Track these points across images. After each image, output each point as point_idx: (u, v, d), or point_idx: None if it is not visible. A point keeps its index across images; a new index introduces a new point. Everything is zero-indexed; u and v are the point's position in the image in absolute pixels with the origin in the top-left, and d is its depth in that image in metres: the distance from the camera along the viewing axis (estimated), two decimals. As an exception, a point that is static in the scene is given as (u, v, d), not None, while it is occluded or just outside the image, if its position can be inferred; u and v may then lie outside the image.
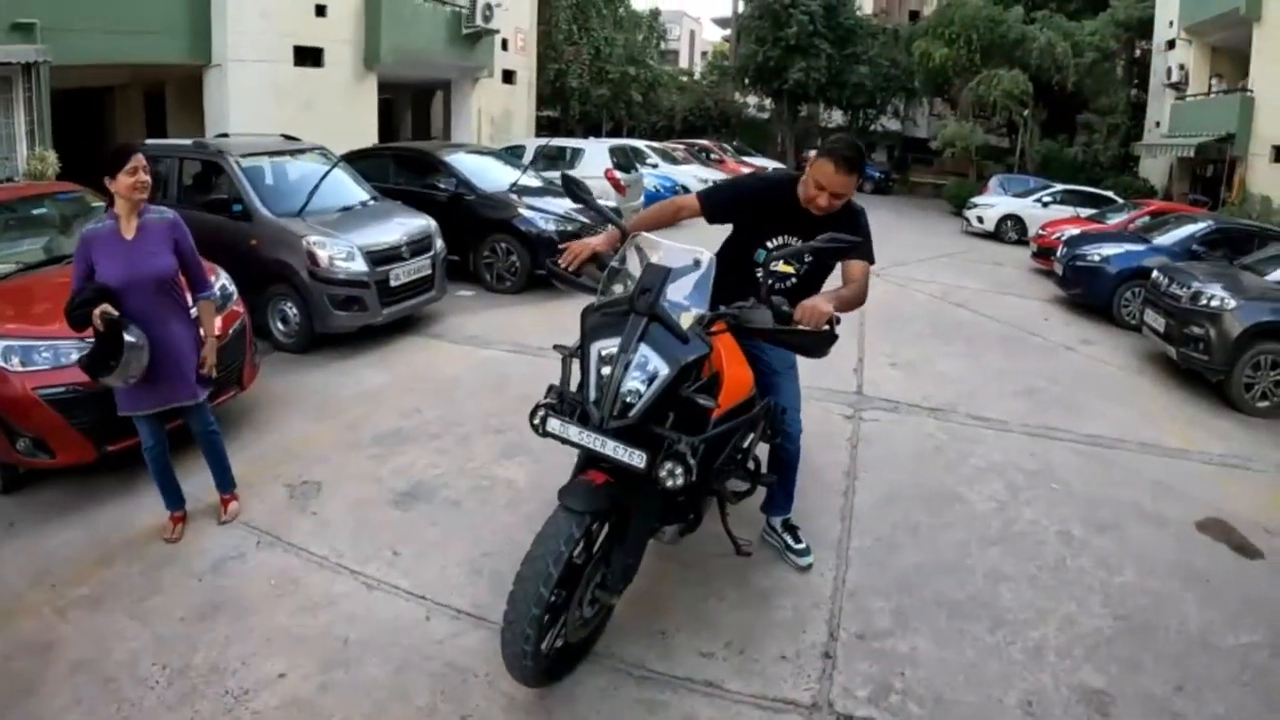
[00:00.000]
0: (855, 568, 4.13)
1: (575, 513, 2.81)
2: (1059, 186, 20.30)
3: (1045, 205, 19.12)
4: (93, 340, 3.60)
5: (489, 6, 18.51)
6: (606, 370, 2.89)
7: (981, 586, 4.05)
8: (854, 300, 3.53)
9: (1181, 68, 24.13)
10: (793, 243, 3.57)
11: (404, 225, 7.90)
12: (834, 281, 3.68)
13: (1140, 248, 11.28)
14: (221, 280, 5.40)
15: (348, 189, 8.42)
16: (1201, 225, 11.58)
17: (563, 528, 2.78)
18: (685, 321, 2.99)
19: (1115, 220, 15.07)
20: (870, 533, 4.50)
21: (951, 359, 8.10)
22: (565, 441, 2.91)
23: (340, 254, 7.05)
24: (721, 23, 50.93)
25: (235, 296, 5.55)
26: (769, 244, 3.66)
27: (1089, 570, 4.30)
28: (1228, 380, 7.65)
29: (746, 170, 24.80)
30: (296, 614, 3.55)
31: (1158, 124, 25.55)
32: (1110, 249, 11.42)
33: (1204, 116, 21.66)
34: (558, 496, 2.90)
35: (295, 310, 7.15)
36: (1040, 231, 15.29)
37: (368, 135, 15.76)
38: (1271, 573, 4.55)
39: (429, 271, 7.83)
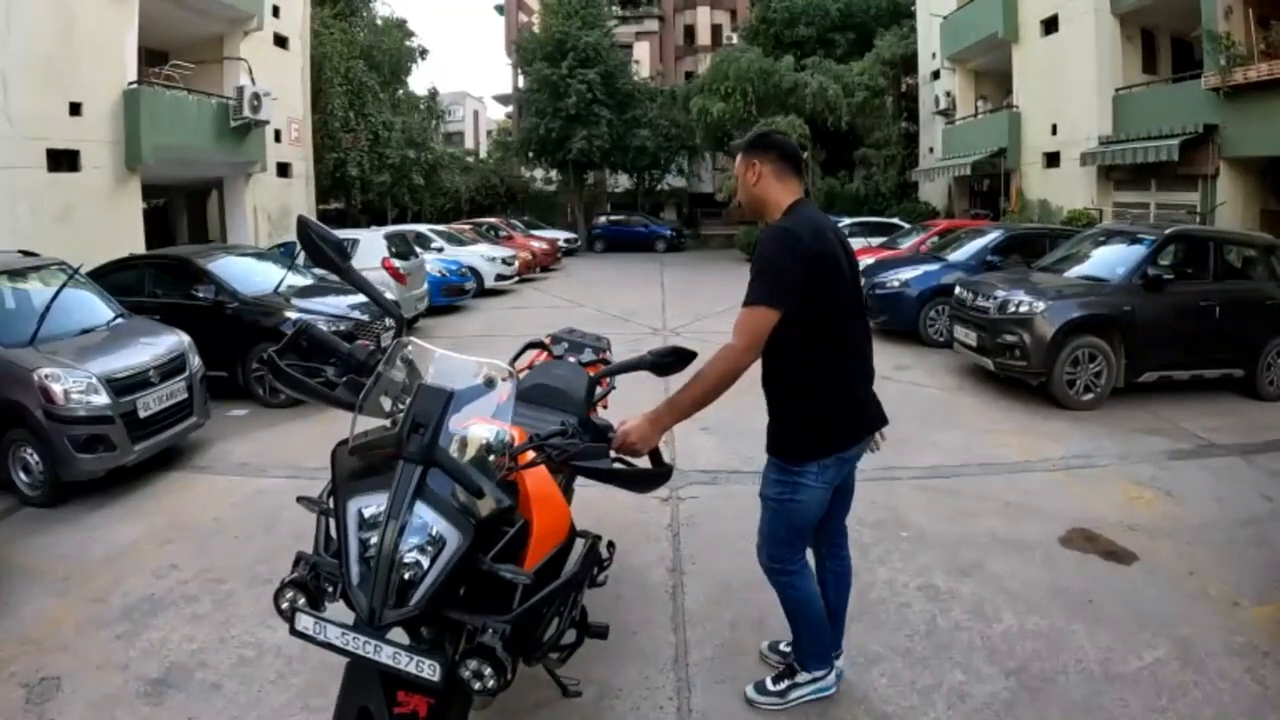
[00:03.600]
0: (700, 690, 3.53)
1: None
2: (847, 220, 20.99)
3: (836, 239, 19.69)
4: None
5: (257, 96, 17.44)
6: (372, 539, 2.13)
7: (851, 676, 3.55)
8: (707, 387, 2.70)
9: (948, 94, 26.28)
10: None
11: (152, 345, 6.90)
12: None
13: (936, 267, 11.70)
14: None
15: (90, 308, 7.34)
16: (992, 235, 12.19)
17: None
18: (474, 448, 2.25)
19: (907, 244, 15.82)
20: (710, 639, 3.92)
21: (762, 412, 7.68)
22: (326, 647, 2.15)
23: (78, 387, 5.97)
24: (503, 99, 51.11)
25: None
26: None
27: (965, 625, 3.98)
28: (1049, 381, 7.91)
29: (537, 244, 24.70)
30: None
31: (931, 149, 27.60)
32: (908, 273, 11.79)
33: (975, 136, 23.66)
34: None
35: (37, 457, 6.02)
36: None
37: (133, 243, 14.20)
38: (1149, 574, 4.49)
39: (185, 395, 6.86)
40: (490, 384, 2.41)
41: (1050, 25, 20.38)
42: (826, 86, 26.97)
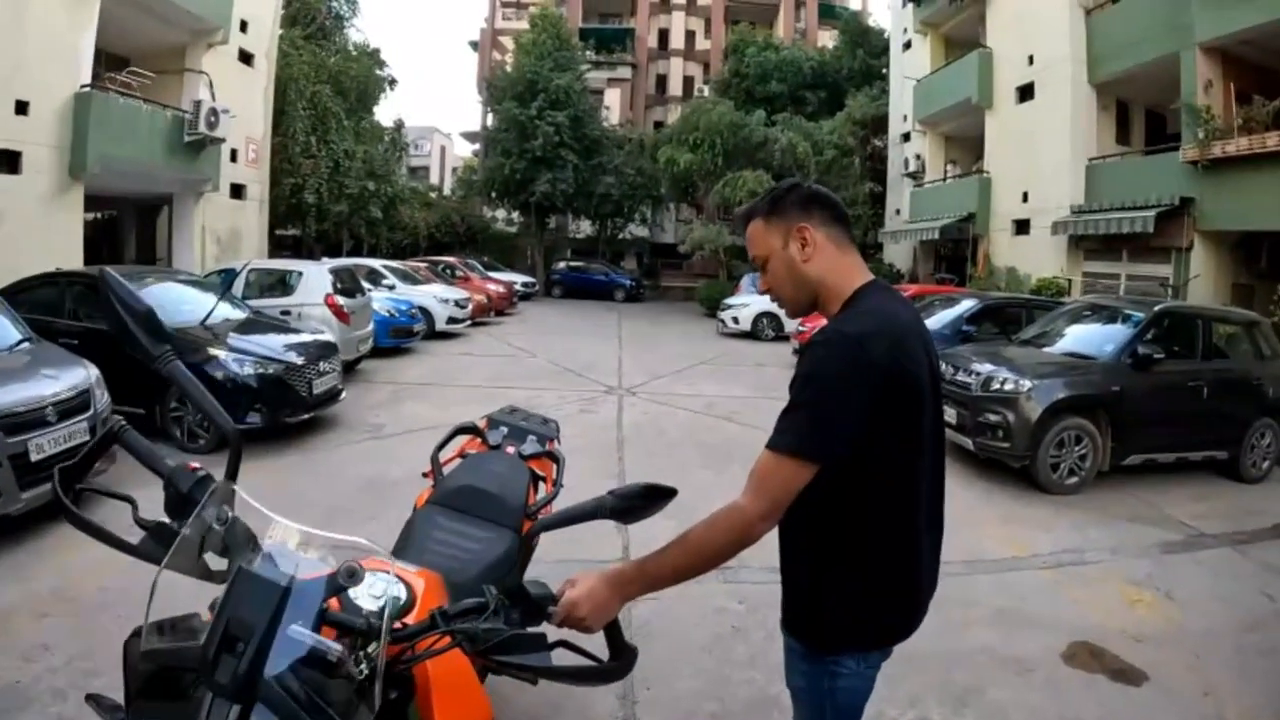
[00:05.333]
0: None
1: None
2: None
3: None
4: None
5: (214, 112, 16.74)
6: None
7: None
8: (698, 558, 1.84)
9: (918, 157, 26.42)
10: None
11: (53, 378, 6.11)
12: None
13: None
14: None
15: None
16: (967, 304, 11.84)
17: None
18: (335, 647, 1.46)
19: None
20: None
21: (726, 490, 7.06)
22: None
23: (-44, 423, 5.29)
24: (471, 137, 50.81)
25: None
26: None
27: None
28: (1032, 464, 7.47)
29: (493, 286, 24.08)
30: None
31: (898, 211, 27.76)
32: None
33: (944, 200, 23.74)
34: None
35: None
36: (800, 327, 15.20)
37: (70, 257, 13.45)
38: (1164, 696, 4.03)
39: (86, 437, 6.02)
40: (352, 578, 1.49)
41: (1025, 93, 20.52)
42: (796, 143, 27.04)
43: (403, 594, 1.72)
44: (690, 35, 47.63)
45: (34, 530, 5.73)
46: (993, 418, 7.62)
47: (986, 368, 8.04)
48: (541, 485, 3.42)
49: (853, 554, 1.97)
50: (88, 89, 14.27)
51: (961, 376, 8.15)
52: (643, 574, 1.85)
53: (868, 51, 34.68)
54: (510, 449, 3.47)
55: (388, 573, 1.74)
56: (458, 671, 1.76)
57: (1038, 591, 5.30)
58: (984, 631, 4.68)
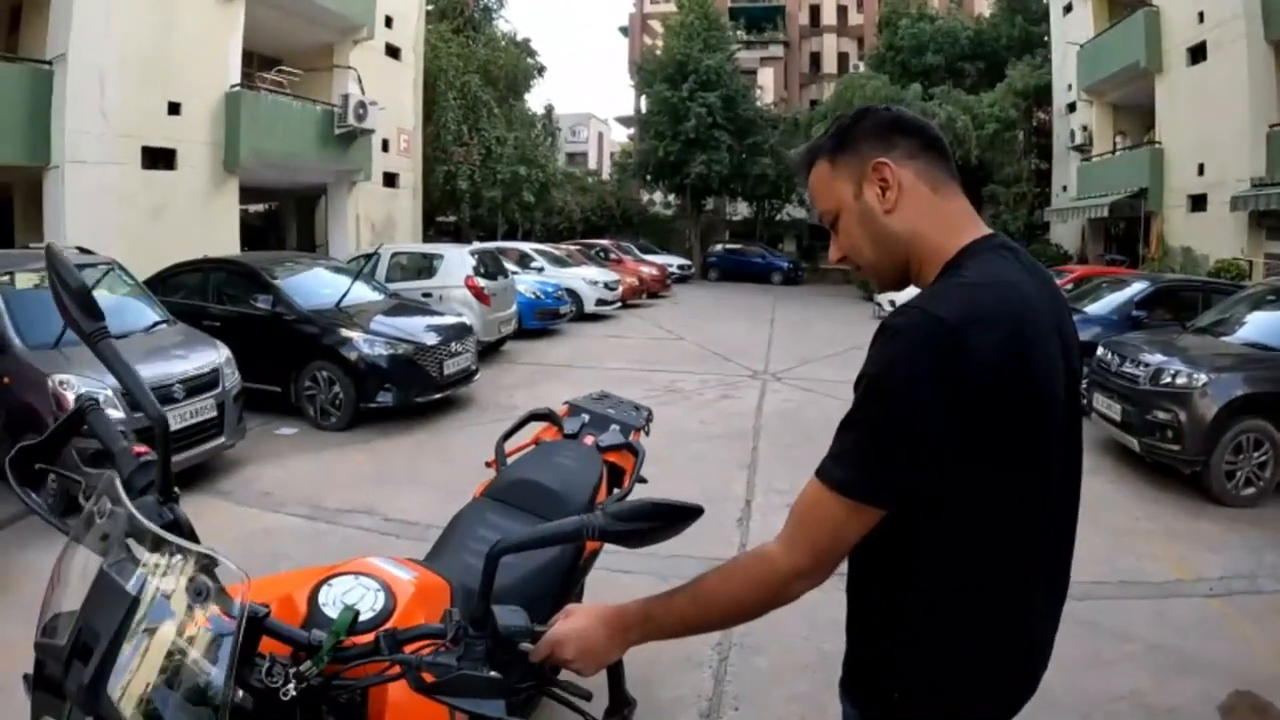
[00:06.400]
0: None
1: None
2: (975, 264, 19.64)
3: (961, 282, 18.49)
4: None
5: (362, 105, 17.28)
6: None
7: None
8: (715, 614, 1.39)
9: (1085, 129, 24.73)
10: None
11: (184, 358, 6.39)
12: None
13: (1074, 319, 10.34)
14: None
15: (132, 311, 6.95)
16: (1137, 287, 10.61)
17: None
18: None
19: None
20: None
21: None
22: None
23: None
24: (625, 122, 51.01)
25: None
26: None
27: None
28: (1205, 470, 6.48)
29: (646, 269, 23.94)
30: None
31: (1064, 188, 26.01)
32: (1042, 326, 10.44)
33: (1113, 175, 21.97)
34: None
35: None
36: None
37: (228, 244, 14.17)
38: None
39: (214, 414, 6.26)
40: (200, 596, 1.17)
41: (1197, 54, 18.70)
42: (955, 117, 25.72)
43: (378, 602, 1.47)
44: (842, 10, 46.25)
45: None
46: (1162, 415, 6.66)
47: (1157, 358, 7.06)
48: (622, 481, 3.03)
49: (933, 617, 1.38)
50: (237, 88, 14.95)
51: (1129, 368, 7.23)
52: (647, 619, 1.39)
53: (1027, 18, 32.66)
54: (589, 439, 3.10)
55: (360, 574, 1.48)
56: (424, 707, 1.37)
57: (1200, 624, 4.51)
58: (1134, 672, 3.97)
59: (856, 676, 1.53)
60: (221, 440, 6.41)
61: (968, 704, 1.42)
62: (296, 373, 8.19)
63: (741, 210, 39.80)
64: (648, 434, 3.39)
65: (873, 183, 1.43)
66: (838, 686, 1.56)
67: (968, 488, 1.28)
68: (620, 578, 3.81)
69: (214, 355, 6.64)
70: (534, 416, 3.32)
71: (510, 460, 2.99)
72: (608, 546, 1.69)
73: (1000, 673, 1.44)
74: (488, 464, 3.04)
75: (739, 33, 40.19)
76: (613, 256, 24.72)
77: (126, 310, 6.92)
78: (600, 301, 18.50)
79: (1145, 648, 4.19)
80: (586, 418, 3.25)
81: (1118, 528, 5.90)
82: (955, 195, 1.49)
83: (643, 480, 2.98)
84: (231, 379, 6.63)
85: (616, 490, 2.91)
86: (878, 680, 1.47)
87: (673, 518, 1.36)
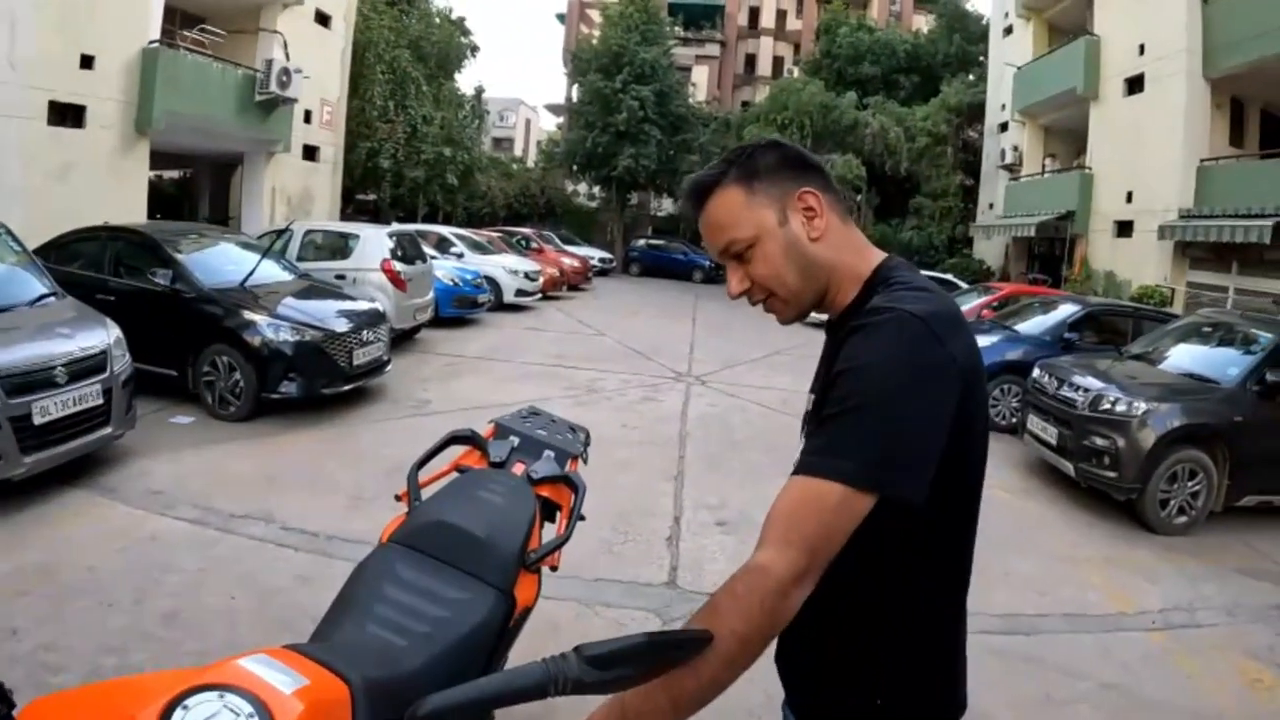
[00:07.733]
0: None
1: None
2: (895, 273, 19.84)
3: (885, 290, 18.66)
4: None
5: (286, 72, 16.56)
6: None
7: None
8: (721, 668, 1.13)
9: (1015, 149, 25.36)
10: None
11: (70, 337, 5.73)
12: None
13: (998, 339, 10.36)
14: None
15: (16, 282, 6.29)
16: (1070, 309, 10.74)
17: None
18: None
19: (967, 308, 14.03)
20: None
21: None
22: None
23: (-45, 383, 4.87)
24: (555, 109, 50.45)
25: None
26: None
27: None
28: (1140, 498, 6.60)
29: (568, 261, 23.60)
30: None
31: (990, 205, 26.53)
32: (971, 342, 10.46)
33: (1041, 196, 22.58)
34: None
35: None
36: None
37: (134, 211, 13.47)
38: None
39: (100, 401, 5.66)
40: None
41: (1135, 84, 19.25)
42: (888, 128, 26.15)
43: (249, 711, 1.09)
44: (781, 14, 46.44)
45: (39, 497, 5.35)
46: (1100, 442, 6.74)
47: (1095, 384, 7.16)
48: (556, 520, 2.69)
49: (909, 637, 1.43)
50: (155, 45, 14.17)
51: (1066, 391, 7.31)
52: (623, 714, 1.13)
53: (964, 37, 33.51)
54: (519, 467, 2.71)
55: (228, 689, 1.10)
56: None
57: (1146, 661, 4.50)
58: (1089, 714, 3.91)
59: (811, 695, 1.53)
60: (108, 430, 5.82)
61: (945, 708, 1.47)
62: (195, 356, 7.61)
63: (667, 206, 39.60)
64: (586, 461, 3.03)
65: (798, 211, 1.47)
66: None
67: (946, 477, 1.30)
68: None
69: (103, 335, 6.00)
70: (454, 440, 2.83)
71: (425, 494, 2.53)
72: None
73: (952, 681, 1.49)
74: (398, 498, 2.57)
75: (677, 29, 39.94)
76: (534, 245, 24.17)
77: (10, 281, 6.29)
78: (520, 292, 18.08)
79: (1095, 686, 4.15)
80: (516, 441, 2.85)
81: (1056, 554, 5.98)
82: (854, 225, 1.57)
83: (583, 518, 2.60)
84: (121, 362, 6.02)
85: (552, 537, 2.48)
86: (838, 697, 1.47)
87: (673, 653, 1.08)
